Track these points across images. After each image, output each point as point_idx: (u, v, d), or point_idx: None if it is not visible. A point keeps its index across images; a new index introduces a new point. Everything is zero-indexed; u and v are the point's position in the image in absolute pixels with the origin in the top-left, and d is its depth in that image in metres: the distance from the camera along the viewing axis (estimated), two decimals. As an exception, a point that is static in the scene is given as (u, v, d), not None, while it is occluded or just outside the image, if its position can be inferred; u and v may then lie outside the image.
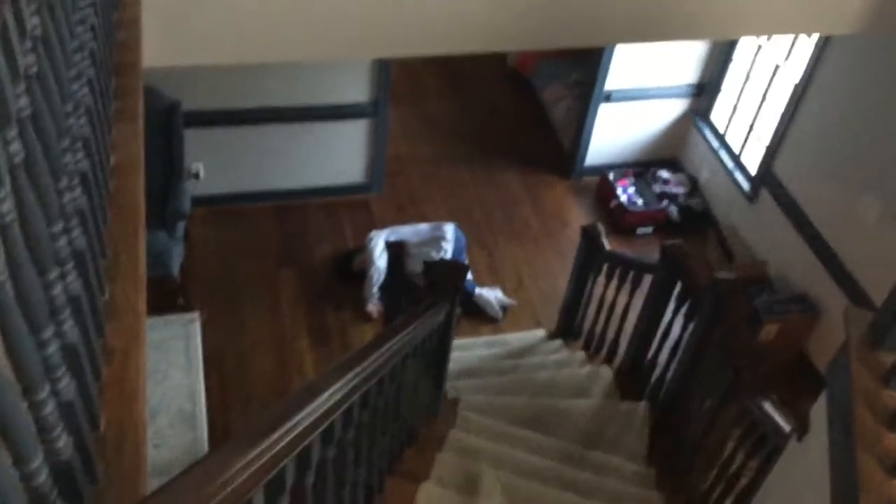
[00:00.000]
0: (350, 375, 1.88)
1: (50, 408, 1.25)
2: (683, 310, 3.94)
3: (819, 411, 2.07)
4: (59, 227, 1.46)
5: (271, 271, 5.56)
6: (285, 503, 1.57)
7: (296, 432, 1.47)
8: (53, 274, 1.37)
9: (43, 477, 1.18)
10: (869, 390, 1.71)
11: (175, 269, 4.92)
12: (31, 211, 1.29)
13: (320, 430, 1.64)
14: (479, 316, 5.43)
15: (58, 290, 1.39)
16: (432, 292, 3.27)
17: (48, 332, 1.29)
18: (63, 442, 1.30)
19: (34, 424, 1.22)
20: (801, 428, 2.22)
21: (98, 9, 2.19)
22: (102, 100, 2.10)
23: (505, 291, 5.59)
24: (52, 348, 1.31)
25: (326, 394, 1.67)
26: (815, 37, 5.05)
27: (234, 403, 4.76)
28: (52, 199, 1.43)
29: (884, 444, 1.66)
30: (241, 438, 1.37)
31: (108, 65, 2.31)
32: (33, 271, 1.25)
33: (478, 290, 5.46)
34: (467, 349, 5.05)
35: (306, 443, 1.58)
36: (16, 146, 1.21)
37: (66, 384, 1.36)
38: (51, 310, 1.35)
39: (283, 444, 1.41)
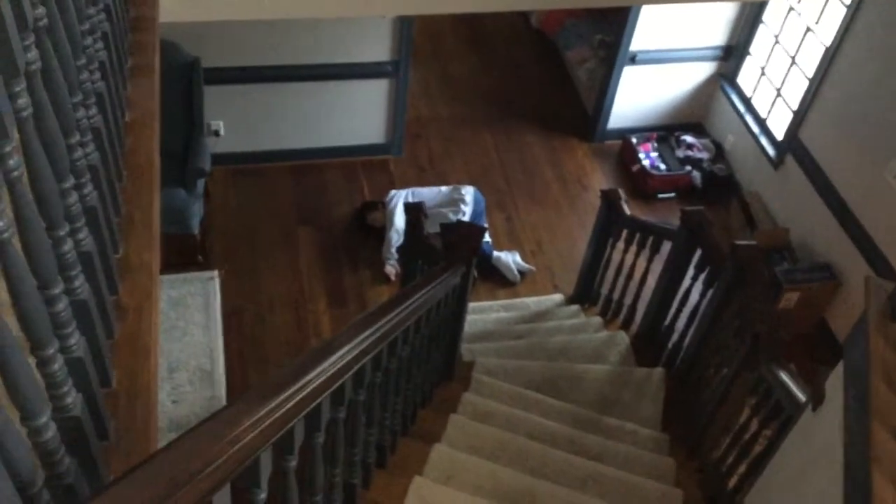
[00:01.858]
0: (363, 337, 1.87)
1: (58, 364, 1.25)
2: (702, 277, 3.90)
3: (835, 382, 2.04)
4: (69, 183, 1.45)
5: (290, 231, 5.57)
6: (294, 462, 1.58)
7: (305, 392, 1.47)
8: (63, 231, 1.37)
9: (50, 433, 1.18)
10: (886, 361, 1.69)
11: (195, 226, 4.94)
12: (40, 166, 1.28)
13: (331, 390, 1.64)
14: (496, 279, 5.42)
15: (68, 246, 1.39)
16: (449, 254, 3.25)
17: (57, 289, 1.29)
18: (72, 398, 1.31)
19: (42, 380, 1.23)
20: (817, 398, 2.19)
21: (113, -38, 2.16)
22: (118, 55, 2.08)
23: (523, 256, 5.56)
24: (62, 305, 1.30)
25: (338, 355, 1.67)
26: (848, -1, 4.91)
27: (251, 361, 4.80)
28: (63, 154, 1.42)
29: (900, 416, 1.64)
30: (250, 396, 1.37)
31: (124, 19, 2.29)
32: (42, 227, 1.24)
33: (496, 254, 5.44)
34: (484, 312, 5.05)
35: (316, 403, 1.58)
36: (24, 100, 1.20)
37: (76, 341, 1.36)
38: (60, 266, 1.35)
39: (292, 403, 1.41)
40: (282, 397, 1.36)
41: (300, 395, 1.43)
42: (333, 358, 1.63)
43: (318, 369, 1.53)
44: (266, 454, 1.36)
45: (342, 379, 1.71)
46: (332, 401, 1.74)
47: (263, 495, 1.42)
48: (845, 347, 1.96)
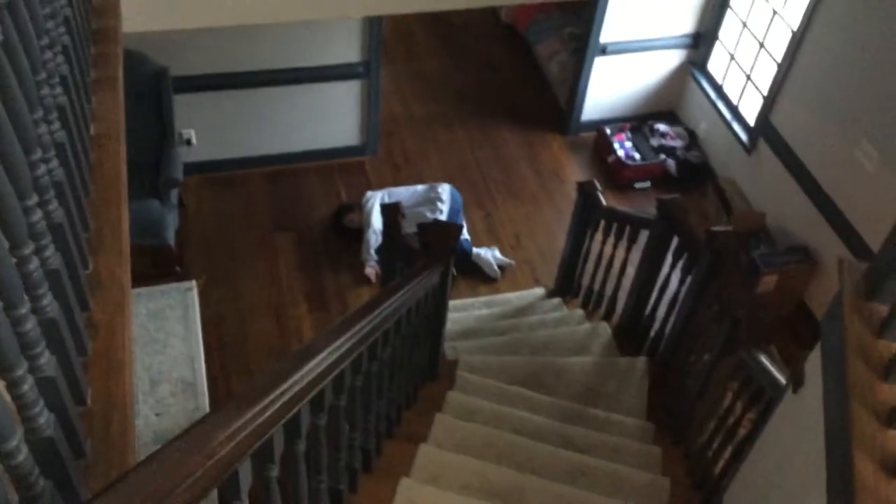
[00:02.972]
0: (341, 341, 1.86)
1: (28, 385, 1.23)
2: (681, 264, 3.92)
3: (814, 363, 2.06)
4: (32, 200, 1.43)
5: (267, 237, 5.54)
6: (275, 471, 1.56)
7: (283, 400, 1.46)
8: (28, 249, 1.34)
9: (22, 456, 1.16)
10: (862, 341, 1.70)
11: (170, 237, 4.89)
12: (0, 184, 1.26)
13: (309, 397, 1.63)
14: (477, 276, 5.41)
15: (34, 265, 1.37)
16: (427, 254, 3.24)
17: (24, 308, 1.27)
18: (44, 419, 1.28)
19: (13, 402, 1.21)
20: (797, 380, 2.20)
21: (71, -26, 2.14)
22: (80, 68, 2.06)
23: (503, 251, 5.57)
24: (29, 324, 1.28)
25: (315, 361, 1.65)
26: (813, -18, 4.95)
27: (234, 370, 4.76)
28: (24, 171, 1.40)
29: (877, 394, 1.65)
30: (225, 408, 1.35)
31: (85, 31, 2.26)
32: (4, 247, 1.22)
33: (475, 251, 5.44)
34: (466, 309, 5.05)
35: (295, 411, 1.57)
36: (-22, 118, 1.18)
37: (47, 360, 1.34)
38: (27, 285, 1.33)
39: (269, 413, 1.40)
40: (258, 407, 1.35)
41: (277, 404, 1.42)
42: (311, 364, 1.61)
43: (295, 377, 1.51)
44: (245, 465, 1.34)
45: (321, 385, 1.70)
46: (312, 407, 1.73)
47: (245, 507, 1.41)
48: (822, 328, 1.97)
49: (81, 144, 1.92)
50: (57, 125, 1.73)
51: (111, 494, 1.09)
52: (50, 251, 1.49)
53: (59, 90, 1.78)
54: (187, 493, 1.16)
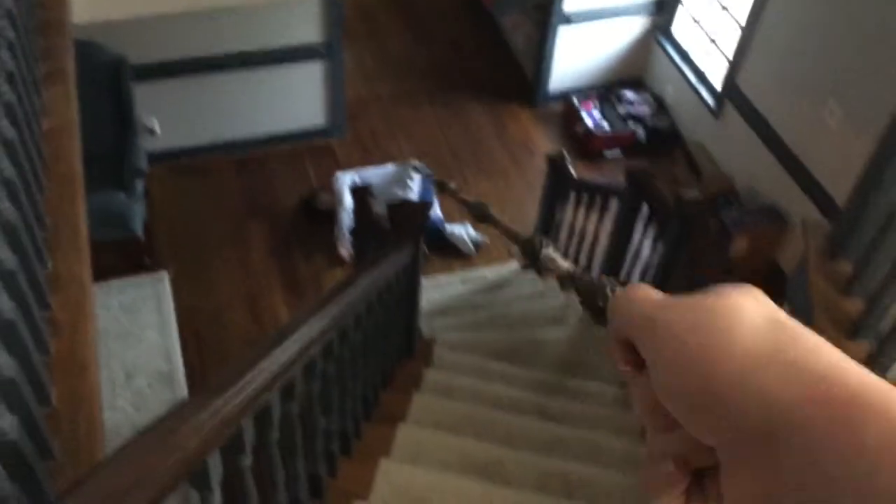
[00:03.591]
0: (308, 327, 1.84)
1: (-15, 389, 1.21)
2: (652, 232, 3.93)
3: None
4: (-20, 200, 1.39)
5: (238, 224, 5.49)
6: (248, 461, 1.55)
7: (249, 390, 1.44)
8: (-23, 250, 1.31)
9: (-18, 461, 1.14)
10: (828, 300, 1.71)
11: (138, 228, 4.84)
12: (-57, 187, 1.22)
13: (278, 385, 1.61)
14: (451, 253, 5.40)
15: (-15, 266, 1.34)
16: (397, 233, 3.23)
17: (-24, 312, 1.24)
18: (7, 422, 1.26)
19: (-30, 408, 1.19)
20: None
21: (13, -35, 2.08)
22: (26, 62, 2.01)
23: (475, 227, 5.55)
24: (-17, 327, 1.26)
25: (281, 348, 1.64)
26: (772, -57, 4.94)
27: (211, 360, 4.73)
28: (-31, 172, 1.37)
29: (844, 351, 1.66)
30: (190, 400, 1.34)
31: (30, 25, 2.20)
32: (-49, 250, 1.19)
33: (448, 228, 5.42)
34: (441, 287, 5.05)
35: (264, 400, 1.55)
36: (-86, 120, 1.14)
37: (5, 361, 1.32)
38: (-22, 288, 1.30)
39: (235, 402, 1.38)
40: (224, 398, 1.33)
41: (244, 393, 1.40)
42: (277, 352, 1.60)
43: (261, 365, 1.50)
44: (214, 457, 1.33)
45: (290, 372, 1.69)
46: (283, 395, 1.72)
47: (217, 498, 1.40)
48: (788, 289, 1.98)
49: (32, 141, 1.88)
50: (5, 122, 1.69)
51: (76, 493, 1.07)
52: (4, 252, 1.46)
53: (5, 87, 1.74)
54: (154, 487, 1.14)
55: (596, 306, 0.49)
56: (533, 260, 0.55)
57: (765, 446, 0.36)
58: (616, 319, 0.46)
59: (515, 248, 5.34)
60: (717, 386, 0.38)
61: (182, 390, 4.39)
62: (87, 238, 1.84)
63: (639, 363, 0.44)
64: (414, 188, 5.40)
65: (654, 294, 0.45)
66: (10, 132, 1.70)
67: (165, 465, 1.13)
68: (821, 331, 1.72)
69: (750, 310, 0.40)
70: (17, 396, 1.34)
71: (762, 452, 0.36)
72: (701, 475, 0.41)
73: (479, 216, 0.67)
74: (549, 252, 0.54)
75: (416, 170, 5.55)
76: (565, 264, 0.53)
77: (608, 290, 0.46)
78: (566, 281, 0.53)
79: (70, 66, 2.25)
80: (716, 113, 5.71)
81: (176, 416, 1.25)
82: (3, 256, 1.45)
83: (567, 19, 6.07)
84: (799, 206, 4.94)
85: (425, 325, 4.21)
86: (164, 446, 1.17)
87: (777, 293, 4.95)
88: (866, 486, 0.32)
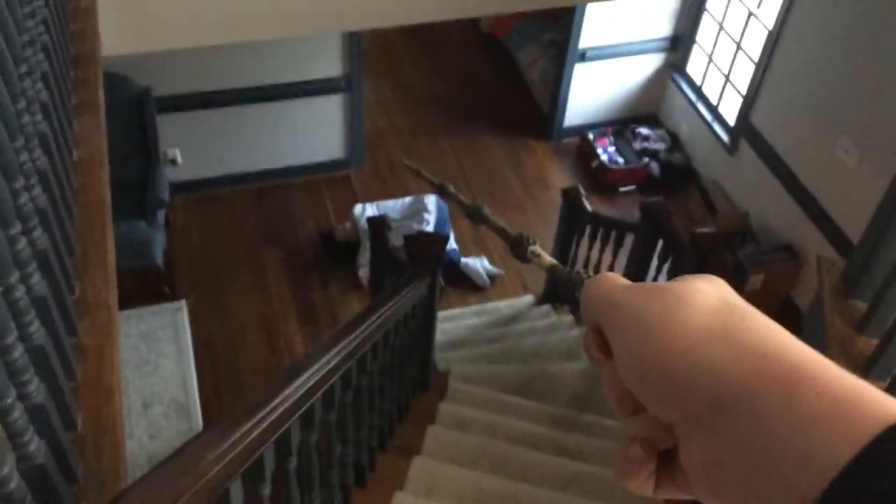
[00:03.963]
0: (328, 357, 1.87)
1: (18, 412, 1.24)
2: (667, 267, 3.94)
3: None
4: (16, 229, 1.43)
5: (256, 254, 5.54)
6: (267, 489, 1.57)
7: (272, 418, 1.47)
8: (13, 277, 1.35)
9: (14, 483, 1.17)
10: (843, 337, 1.72)
11: (158, 257, 4.89)
12: (-17, 215, 1.27)
13: (299, 413, 1.64)
14: (466, 285, 5.43)
15: (20, 292, 1.37)
16: (414, 265, 3.26)
17: (11, 337, 1.27)
18: (35, 446, 1.29)
19: (3, 430, 1.22)
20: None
21: (50, 1, 2.15)
22: (60, 94, 2.07)
23: (491, 259, 5.58)
24: (17, 352, 1.29)
25: (303, 377, 1.66)
26: (787, -17, 5.00)
27: (226, 389, 4.76)
28: (7, 200, 1.41)
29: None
30: (213, 428, 1.36)
31: (65, 57, 2.27)
32: (-11, 277, 1.23)
33: (463, 260, 5.45)
34: (455, 319, 5.06)
35: (284, 428, 1.58)
36: (-41, 151, 1.19)
37: (36, 387, 1.35)
38: (13, 313, 1.34)
39: (258, 431, 1.41)
40: (247, 426, 1.36)
41: (266, 423, 1.43)
42: (299, 381, 1.62)
43: (283, 394, 1.52)
44: (235, 485, 1.35)
45: (310, 401, 1.71)
46: (302, 424, 1.74)
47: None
48: (804, 326, 1.99)
49: (64, 170, 1.93)
50: (39, 152, 1.73)
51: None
52: (35, 278, 1.49)
53: (39, 117, 1.79)
54: (179, 514, 1.17)
55: (573, 297, 0.52)
56: (521, 254, 0.61)
57: (713, 417, 0.39)
58: (586, 306, 0.48)
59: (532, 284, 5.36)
60: (670, 361, 0.41)
61: (198, 420, 4.41)
62: (114, 265, 1.88)
63: (609, 350, 0.46)
64: (430, 221, 5.45)
65: (622, 281, 0.48)
66: (44, 162, 1.74)
67: (191, 490, 1.15)
68: (837, 368, 1.74)
69: (704, 291, 0.43)
70: (45, 421, 1.37)
71: (711, 423, 0.39)
72: (669, 457, 0.44)
73: (475, 216, 0.70)
74: (536, 248, 0.59)
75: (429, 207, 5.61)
76: (548, 259, 0.58)
77: (585, 281, 0.50)
78: (548, 273, 0.59)
79: (100, 97, 2.31)
80: (730, 149, 5.74)
81: (201, 442, 1.28)
82: (34, 283, 1.49)
83: (582, 56, 6.15)
84: (814, 244, 4.94)
85: (440, 358, 4.23)
86: (188, 472, 1.20)
87: (792, 329, 4.94)
88: (803, 450, 0.35)
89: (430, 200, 5.60)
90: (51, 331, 1.51)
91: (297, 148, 5.91)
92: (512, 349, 4.43)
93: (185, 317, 5.00)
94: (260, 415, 1.41)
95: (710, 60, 5.96)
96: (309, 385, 1.70)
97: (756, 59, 5.39)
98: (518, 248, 0.61)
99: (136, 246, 4.70)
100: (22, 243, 1.45)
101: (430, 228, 5.39)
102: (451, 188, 0.61)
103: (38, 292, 1.50)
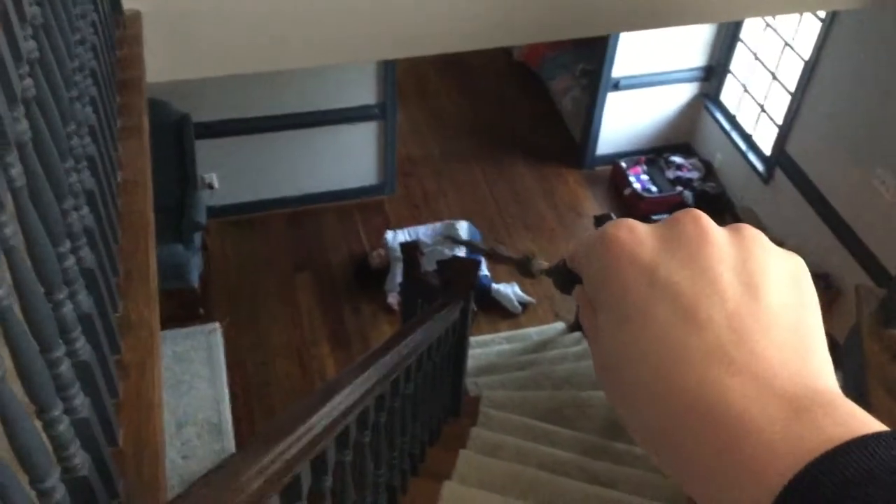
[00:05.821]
0: (363, 378, 1.89)
1: (64, 426, 1.27)
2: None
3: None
4: (65, 247, 1.48)
5: (289, 277, 5.60)
6: (303, 508, 1.58)
7: (309, 436, 1.48)
8: (62, 294, 1.39)
9: (59, 495, 1.20)
10: (881, 366, 1.70)
11: (194, 280, 4.96)
12: (36, 233, 1.31)
13: (335, 433, 1.65)
14: (497, 311, 5.43)
15: (67, 309, 1.41)
16: (447, 290, 3.27)
17: (59, 352, 1.31)
18: (79, 459, 1.32)
19: (49, 442, 1.25)
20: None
21: (98, 28, 2.22)
22: (107, 118, 2.13)
23: (522, 286, 5.58)
24: (64, 367, 1.33)
25: (340, 397, 1.68)
26: (823, 13, 5.00)
27: (258, 411, 4.79)
28: (57, 219, 1.45)
29: (900, 420, 1.65)
30: (253, 444, 1.38)
31: (111, 82, 2.34)
32: (40, 292, 1.27)
33: (495, 286, 5.46)
34: (486, 345, 5.06)
35: (321, 446, 1.59)
36: (16, 169, 1.23)
37: (81, 402, 1.38)
38: (61, 329, 1.37)
39: (296, 448, 1.42)
40: (286, 443, 1.38)
41: (304, 440, 1.45)
42: (336, 400, 1.64)
43: (321, 412, 1.54)
44: (274, 501, 1.37)
45: (346, 420, 1.73)
46: (338, 443, 1.76)
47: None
48: (843, 356, 1.98)
49: (110, 191, 1.98)
50: (87, 173, 1.79)
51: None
52: (82, 295, 1.53)
53: (87, 140, 1.85)
54: (219, 529, 1.19)
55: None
56: (524, 265, 0.63)
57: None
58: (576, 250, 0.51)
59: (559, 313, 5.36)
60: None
61: (230, 441, 4.44)
62: (156, 285, 1.92)
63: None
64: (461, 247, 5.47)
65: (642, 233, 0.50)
66: (91, 183, 1.80)
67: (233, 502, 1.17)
68: (875, 397, 1.71)
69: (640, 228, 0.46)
70: (89, 435, 1.40)
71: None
72: None
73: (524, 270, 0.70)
74: (539, 262, 0.62)
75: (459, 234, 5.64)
76: (545, 264, 0.61)
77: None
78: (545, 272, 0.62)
79: (145, 122, 2.37)
80: (765, 179, 5.71)
81: (242, 457, 1.30)
82: (81, 299, 1.53)
83: (615, 85, 6.17)
84: (850, 273, 4.89)
85: (470, 383, 4.23)
86: (230, 486, 1.22)
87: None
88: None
89: (462, 226, 5.63)
90: (95, 347, 1.55)
91: (331, 174, 5.98)
92: (542, 375, 4.41)
93: (219, 338, 5.06)
94: (298, 432, 1.43)
95: (745, 90, 5.95)
96: (345, 405, 1.72)
97: (791, 89, 5.37)
98: (523, 265, 0.64)
99: (173, 268, 4.78)
100: (70, 261, 1.50)
101: (461, 254, 5.41)
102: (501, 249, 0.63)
103: (85, 309, 1.54)
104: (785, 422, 0.35)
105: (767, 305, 0.41)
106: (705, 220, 0.44)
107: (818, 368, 0.39)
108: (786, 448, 0.34)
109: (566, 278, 0.54)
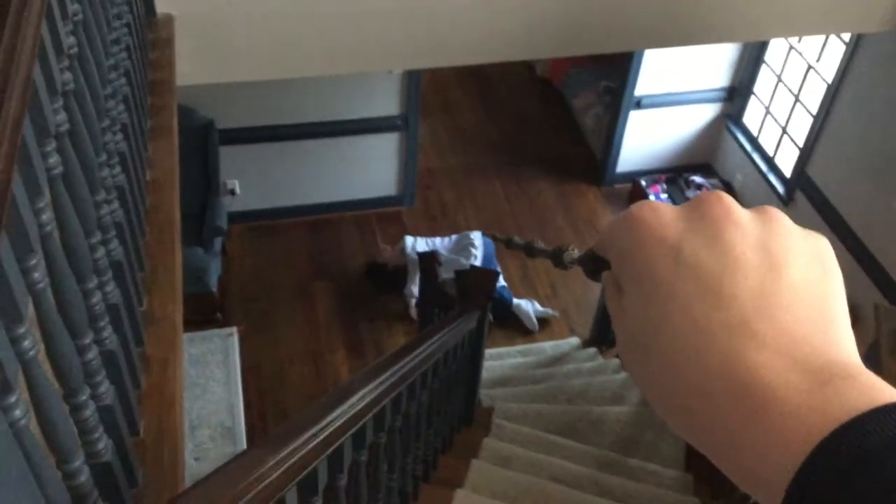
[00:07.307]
0: (381, 379, 1.91)
1: (90, 411, 1.30)
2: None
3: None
4: (97, 238, 1.51)
5: (306, 285, 5.63)
6: (319, 504, 1.60)
7: (327, 432, 1.50)
8: (92, 283, 1.42)
9: (84, 476, 1.22)
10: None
11: (213, 284, 5.01)
12: (70, 221, 1.34)
13: (352, 431, 1.67)
14: (514, 326, 5.43)
15: (96, 298, 1.45)
16: (464, 299, 3.29)
17: (87, 339, 1.34)
18: (103, 444, 1.35)
19: (75, 426, 1.28)
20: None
21: (133, 29, 2.27)
22: (138, 117, 2.17)
23: (539, 300, 5.59)
24: (92, 354, 1.36)
25: (357, 396, 1.70)
26: (847, 36, 5.00)
27: (272, 416, 4.82)
28: (90, 210, 1.49)
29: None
30: (274, 436, 1.41)
31: (144, 83, 2.38)
32: (73, 279, 1.30)
33: (516, 301, 5.47)
34: (501, 358, 5.06)
35: (338, 444, 1.61)
36: (54, 159, 1.27)
37: (106, 389, 1.41)
38: (90, 317, 1.41)
39: (314, 443, 1.44)
40: (304, 437, 1.40)
41: (322, 436, 1.47)
42: (353, 399, 1.66)
43: (339, 410, 1.56)
44: (291, 494, 1.39)
45: (363, 420, 1.75)
46: (354, 442, 1.77)
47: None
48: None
49: (139, 188, 2.02)
50: (118, 169, 1.83)
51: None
52: (111, 286, 1.57)
53: (119, 136, 1.89)
54: (239, 517, 1.21)
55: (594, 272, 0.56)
56: (557, 256, 0.66)
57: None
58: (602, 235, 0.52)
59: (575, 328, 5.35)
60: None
61: (242, 446, 4.46)
62: (181, 282, 1.95)
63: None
64: (477, 255, 5.50)
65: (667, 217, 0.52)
66: (122, 179, 1.83)
67: (253, 492, 1.19)
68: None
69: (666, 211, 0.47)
70: (113, 422, 1.43)
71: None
72: None
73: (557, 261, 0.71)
74: (571, 252, 0.64)
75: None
76: (576, 253, 0.63)
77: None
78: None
79: (174, 123, 2.42)
80: (785, 200, 5.70)
81: (262, 448, 1.32)
82: (109, 290, 1.56)
83: (638, 104, 6.18)
84: (869, 296, 4.86)
85: (484, 394, 4.23)
86: (251, 475, 1.24)
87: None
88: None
89: (476, 236, 5.66)
90: (121, 338, 1.58)
91: (351, 184, 6.03)
92: (557, 389, 4.41)
93: (235, 343, 5.09)
94: (317, 427, 1.45)
95: (768, 112, 5.95)
96: (362, 405, 1.74)
97: (814, 111, 5.37)
98: (556, 253, 0.66)
99: (193, 272, 4.82)
100: (100, 252, 1.53)
101: (477, 263, 5.43)
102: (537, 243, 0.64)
103: (112, 300, 1.57)
104: (809, 392, 0.37)
105: (790, 283, 0.42)
106: (729, 200, 0.45)
107: (840, 342, 0.41)
108: (810, 417, 0.36)
109: (595, 265, 0.55)
